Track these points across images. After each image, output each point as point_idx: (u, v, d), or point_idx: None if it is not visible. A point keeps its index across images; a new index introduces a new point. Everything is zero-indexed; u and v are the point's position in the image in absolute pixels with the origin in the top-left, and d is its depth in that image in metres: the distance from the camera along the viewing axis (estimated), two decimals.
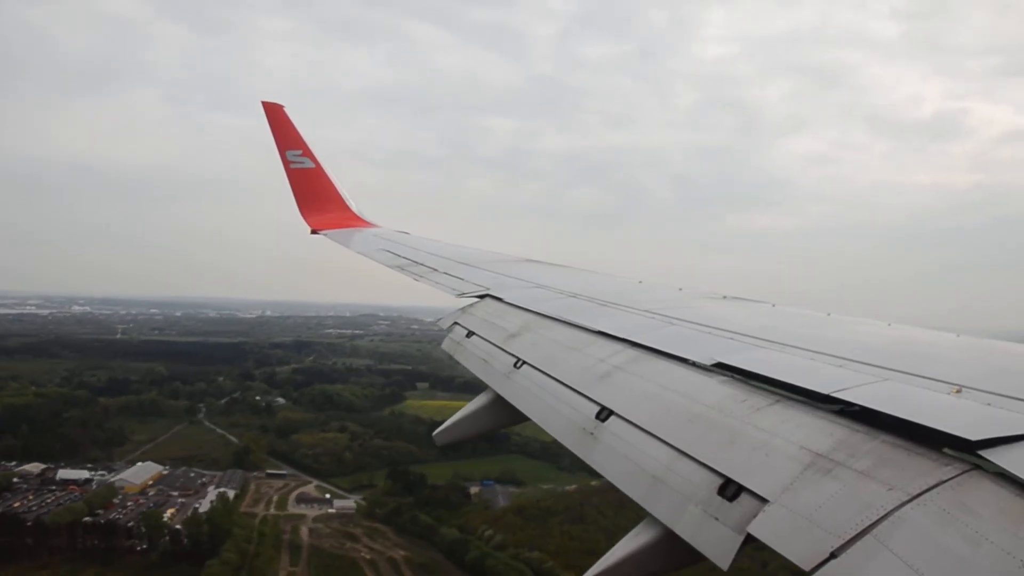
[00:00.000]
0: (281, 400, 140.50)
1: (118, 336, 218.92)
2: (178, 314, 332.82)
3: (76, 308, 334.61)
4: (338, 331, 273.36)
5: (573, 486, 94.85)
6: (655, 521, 3.35)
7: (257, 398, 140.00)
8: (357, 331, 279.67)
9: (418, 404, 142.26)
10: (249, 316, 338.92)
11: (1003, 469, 2.42)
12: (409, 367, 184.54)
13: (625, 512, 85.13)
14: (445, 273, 9.36)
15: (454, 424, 5.93)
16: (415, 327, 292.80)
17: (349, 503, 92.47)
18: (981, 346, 4.57)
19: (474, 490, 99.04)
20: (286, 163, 14.19)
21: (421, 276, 9.59)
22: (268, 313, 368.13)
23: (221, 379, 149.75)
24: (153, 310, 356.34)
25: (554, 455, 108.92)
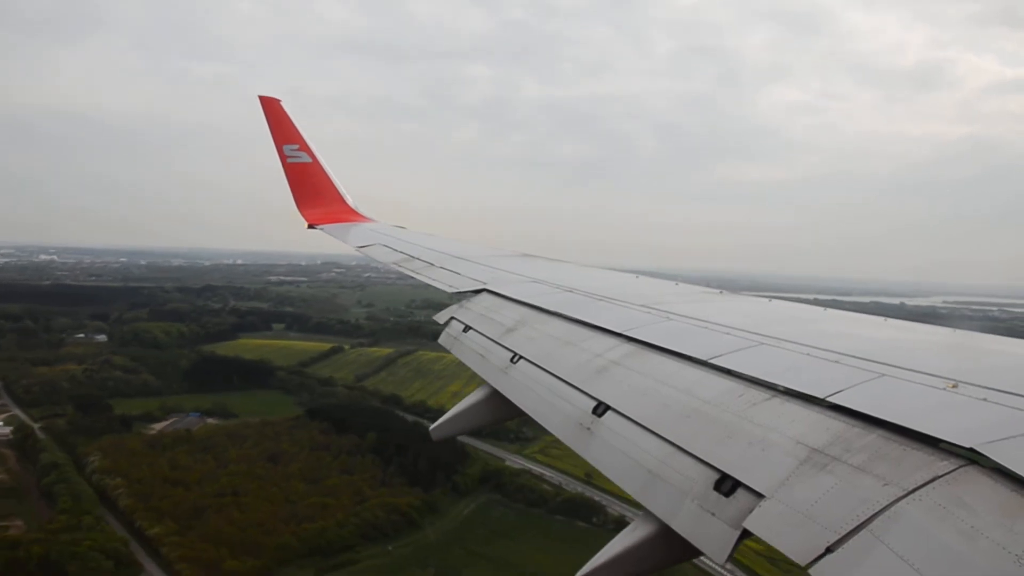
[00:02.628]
0: (103, 338, 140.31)
1: (44, 283, 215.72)
2: (142, 263, 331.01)
3: (43, 257, 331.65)
4: (279, 278, 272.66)
5: (280, 417, 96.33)
6: (651, 516, 3.35)
7: (81, 335, 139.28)
8: (301, 278, 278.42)
9: (243, 343, 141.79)
10: (206, 264, 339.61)
11: (999, 464, 2.42)
12: (291, 309, 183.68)
13: (260, 448, 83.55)
14: (441, 268, 9.34)
15: (451, 419, 5.92)
16: (368, 275, 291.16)
17: (5, 431, 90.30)
18: (976, 340, 4.58)
19: (160, 424, 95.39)
20: (283, 157, 14.15)
21: (418, 271, 9.57)
22: (239, 262, 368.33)
23: (63, 319, 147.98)
24: (122, 259, 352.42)
25: (306, 392, 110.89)
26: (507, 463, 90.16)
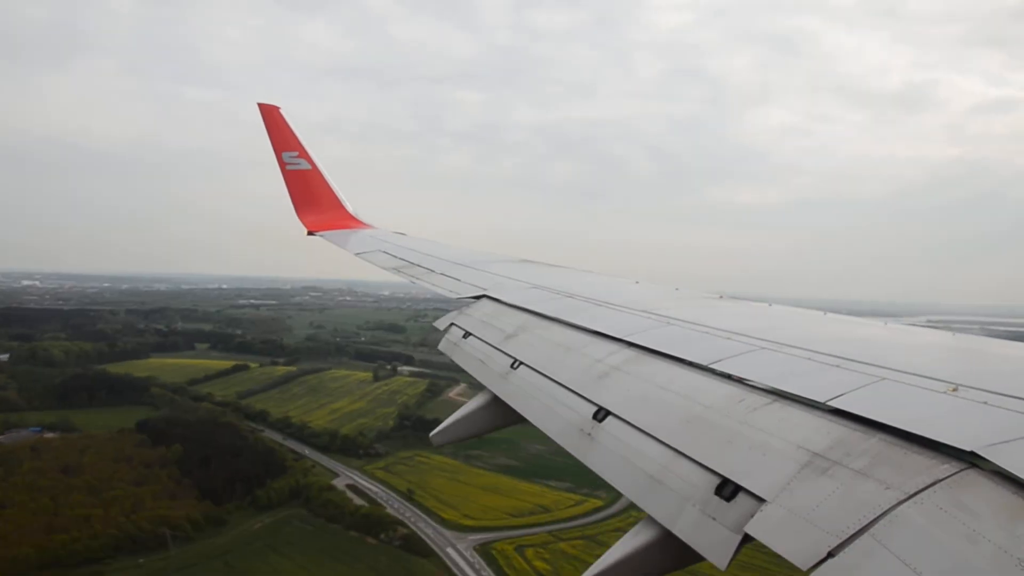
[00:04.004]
0: (4, 356, 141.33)
1: (7, 306, 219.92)
2: (124, 287, 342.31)
3: (25, 282, 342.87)
4: (250, 301, 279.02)
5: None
6: (653, 521, 3.35)
7: None
8: (271, 301, 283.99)
9: (149, 362, 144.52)
10: (185, 288, 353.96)
11: (1000, 467, 2.42)
12: (233, 332, 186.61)
13: (60, 460, 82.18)
14: (442, 274, 9.34)
15: (451, 425, 5.91)
16: (344, 297, 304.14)
17: None
18: (976, 344, 4.58)
19: None
20: (282, 164, 14.16)
21: (418, 278, 9.57)
22: (224, 286, 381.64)
23: None
24: (106, 284, 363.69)
25: (173, 407, 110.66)
26: (337, 478, 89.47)
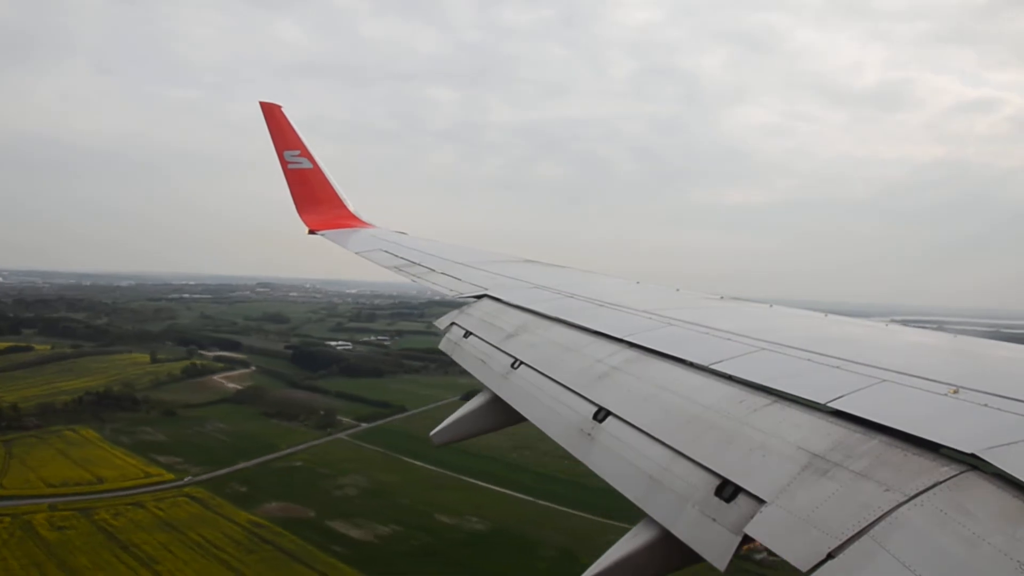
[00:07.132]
0: None
1: None
2: (87, 284, 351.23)
3: None
4: (181, 296, 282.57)
5: None
6: (652, 522, 3.35)
7: None
8: (205, 296, 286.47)
9: None
10: (149, 284, 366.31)
11: (1000, 470, 2.42)
12: (94, 320, 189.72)
13: None
14: (443, 273, 9.33)
15: (451, 424, 5.90)
16: (293, 294, 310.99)
17: None
18: (977, 346, 4.58)
19: None
20: (283, 163, 14.13)
21: (418, 277, 9.55)
22: (192, 283, 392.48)
23: None
24: (71, 280, 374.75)
25: None
26: None
